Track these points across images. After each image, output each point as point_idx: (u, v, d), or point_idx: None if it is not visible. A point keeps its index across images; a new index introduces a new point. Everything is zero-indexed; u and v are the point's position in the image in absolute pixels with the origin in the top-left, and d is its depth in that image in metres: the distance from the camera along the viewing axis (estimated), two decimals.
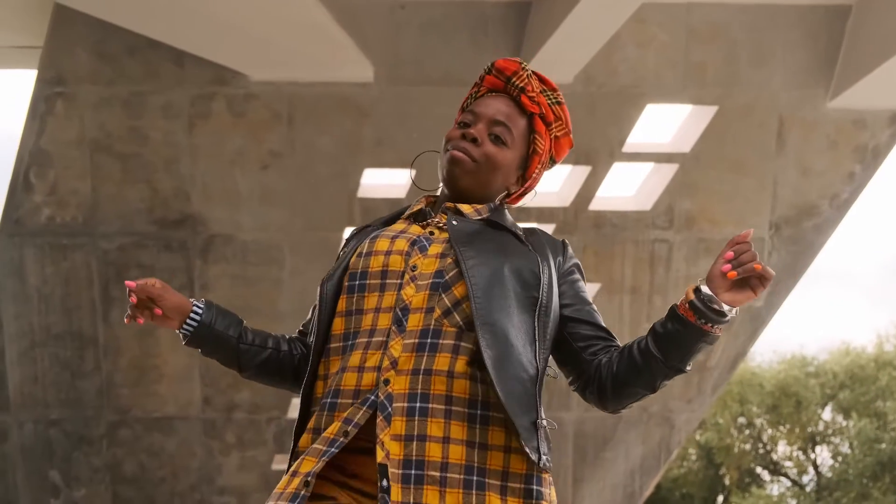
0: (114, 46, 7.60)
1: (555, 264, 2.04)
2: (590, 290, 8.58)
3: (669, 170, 8.15)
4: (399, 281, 1.97)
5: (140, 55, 7.62)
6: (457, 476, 1.85)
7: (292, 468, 1.93)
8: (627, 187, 8.53)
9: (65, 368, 8.53)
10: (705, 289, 1.93)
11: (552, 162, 2.17)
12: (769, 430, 28.10)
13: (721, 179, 8.14)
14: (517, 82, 2.10)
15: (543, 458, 1.90)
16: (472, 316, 1.89)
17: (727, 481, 28.90)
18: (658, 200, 8.20)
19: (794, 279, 8.44)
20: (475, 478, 1.86)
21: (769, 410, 26.84)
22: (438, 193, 2.16)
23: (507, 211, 2.13)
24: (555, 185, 8.50)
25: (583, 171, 8.12)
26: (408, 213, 2.13)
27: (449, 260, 1.97)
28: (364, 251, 2.04)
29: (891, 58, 7.37)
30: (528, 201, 2.22)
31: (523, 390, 1.90)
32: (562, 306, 2.04)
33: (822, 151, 8.08)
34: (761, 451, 28.51)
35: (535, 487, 1.89)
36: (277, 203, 8.13)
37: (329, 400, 1.95)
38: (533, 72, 2.12)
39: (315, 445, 1.92)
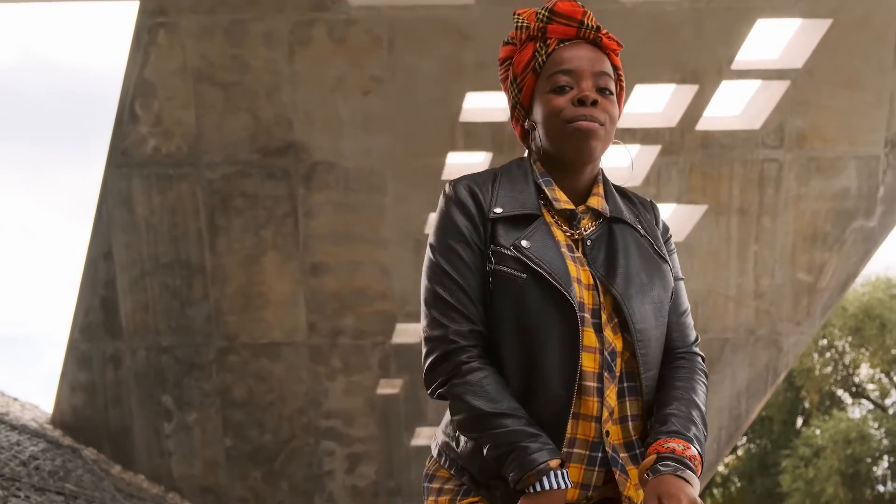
0: None
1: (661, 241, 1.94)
2: (696, 211, 8.30)
3: (780, 87, 7.73)
4: (597, 321, 1.80)
5: None
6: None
7: None
8: (736, 106, 8.15)
9: (174, 297, 8.52)
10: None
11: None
12: (851, 353, 27.51)
13: (834, 95, 7.71)
14: (589, 23, 1.87)
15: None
16: (636, 367, 1.80)
17: (807, 404, 28.48)
18: (768, 119, 7.81)
19: None
20: None
21: (852, 333, 26.23)
22: (546, 158, 1.91)
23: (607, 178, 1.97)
24: (659, 104, 8.15)
25: (689, 90, 7.74)
26: (559, 207, 1.87)
27: (613, 297, 1.82)
28: (569, 277, 1.79)
29: None
30: None
31: None
32: None
33: None
34: (843, 373, 27.97)
35: None
36: (379, 129, 7.93)
37: (565, 449, 1.79)
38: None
39: None
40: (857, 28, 7.49)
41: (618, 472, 1.76)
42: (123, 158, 8.01)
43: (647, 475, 1.72)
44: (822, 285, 8.27)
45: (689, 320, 1.94)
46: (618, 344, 1.79)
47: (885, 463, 26.25)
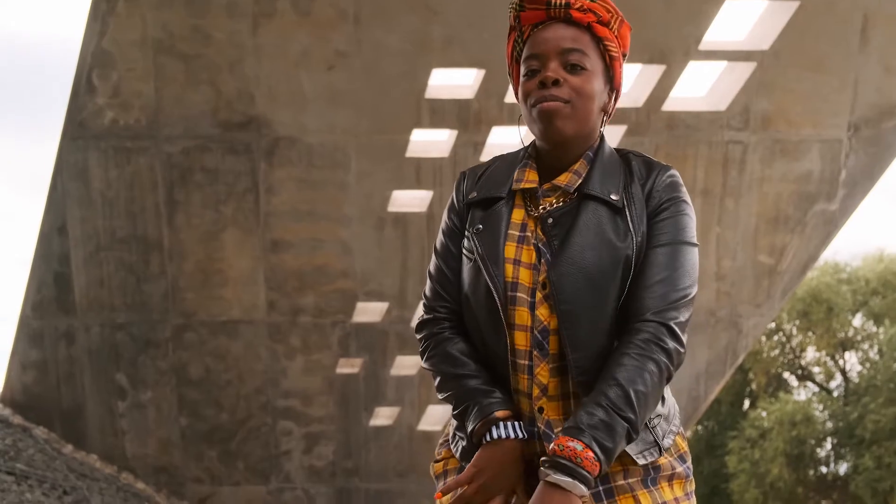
0: None
1: (647, 214, 1.88)
2: None
3: (746, 68, 7.72)
4: (531, 299, 1.85)
5: None
6: (637, 479, 1.86)
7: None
8: (701, 87, 8.13)
9: (130, 272, 8.32)
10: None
11: (624, 56, 1.95)
12: (798, 337, 27.90)
13: (800, 78, 7.72)
14: (557, 2, 1.86)
15: (663, 448, 1.93)
16: (565, 348, 1.82)
17: (755, 386, 28.86)
18: (734, 100, 7.79)
19: (870, 181, 8.06)
20: (651, 475, 1.87)
21: (799, 316, 26.59)
22: (537, 145, 1.95)
23: (606, 148, 1.94)
24: (625, 84, 8.09)
25: (656, 70, 7.70)
26: (517, 188, 1.92)
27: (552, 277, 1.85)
28: (500, 258, 1.87)
29: None
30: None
31: None
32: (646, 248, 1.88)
33: None
34: (790, 356, 28.37)
35: (673, 471, 1.93)
36: (343, 104, 7.78)
37: None
38: None
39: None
40: (823, 11, 7.49)
41: (547, 445, 1.82)
42: (80, 130, 7.78)
43: (543, 465, 1.75)
44: (782, 268, 8.31)
45: (672, 284, 1.83)
46: (553, 322, 1.82)
47: (828, 445, 26.71)
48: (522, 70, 1.89)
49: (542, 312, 1.84)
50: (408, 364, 9.02)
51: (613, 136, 7.95)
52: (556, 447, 1.72)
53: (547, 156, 1.92)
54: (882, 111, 7.83)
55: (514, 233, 1.88)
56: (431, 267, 1.98)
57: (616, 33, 1.89)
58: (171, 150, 7.89)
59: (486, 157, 8.08)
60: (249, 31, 7.44)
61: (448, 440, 1.98)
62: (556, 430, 1.83)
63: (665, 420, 1.89)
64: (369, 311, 8.72)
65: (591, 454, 1.71)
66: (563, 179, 1.89)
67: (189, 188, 8.02)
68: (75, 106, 7.67)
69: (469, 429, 1.85)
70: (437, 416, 9.36)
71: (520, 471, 1.82)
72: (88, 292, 8.39)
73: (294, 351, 8.70)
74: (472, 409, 1.84)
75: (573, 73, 1.84)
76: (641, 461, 1.83)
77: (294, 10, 7.43)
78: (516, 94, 1.95)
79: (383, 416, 9.24)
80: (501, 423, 1.82)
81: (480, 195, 1.93)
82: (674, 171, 1.92)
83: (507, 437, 1.81)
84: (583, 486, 1.71)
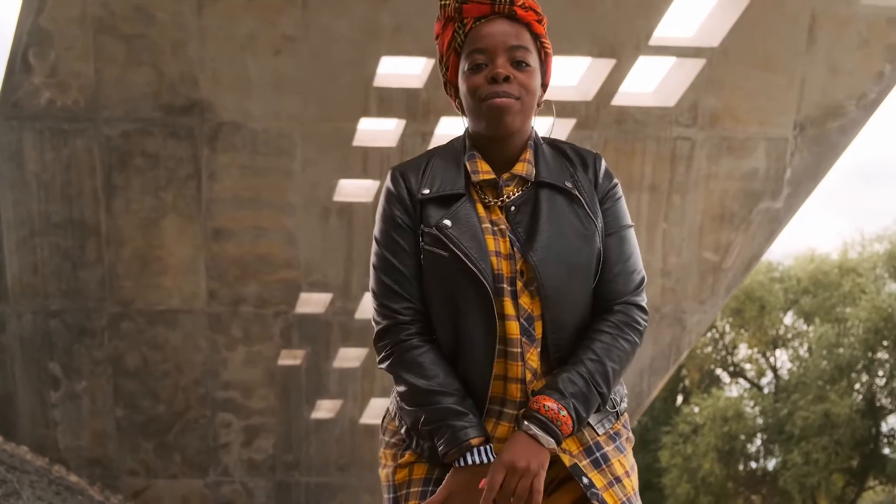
0: None
1: (598, 200, 1.98)
2: None
3: (695, 65, 7.69)
4: (512, 288, 1.91)
5: None
6: (615, 444, 1.97)
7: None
8: (650, 83, 8.09)
9: (65, 258, 8.02)
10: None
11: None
12: (731, 334, 28.25)
13: (748, 76, 7.70)
14: None
15: (621, 412, 2.07)
16: (545, 331, 1.91)
17: (687, 382, 29.17)
18: (683, 97, 7.76)
19: (814, 181, 8.09)
20: (618, 441, 1.99)
21: (732, 314, 26.92)
22: (475, 137, 1.99)
23: (540, 138, 2.02)
24: (574, 78, 8.02)
25: (606, 64, 7.63)
26: (477, 179, 1.95)
27: (529, 264, 1.91)
28: (485, 252, 1.91)
29: None
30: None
31: None
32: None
33: (853, 50, 7.65)
34: (722, 353, 28.71)
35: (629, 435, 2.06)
36: (290, 90, 7.58)
37: (496, 407, 1.95)
38: None
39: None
40: (772, 10, 7.49)
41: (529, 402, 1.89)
42: (14, 110, 7.47)
43: (515, 427, 1.89)
44: (726, 265, 8.31)
45: (631, 267, 1.98)
46: (535, 308, 1.90)
47: (758, 440, 27.09)
48: (465, 64, 1.92)
49: (525, 301, 1.90)
50: (351, 356, 8.86)
51: (562, 129, 7.87)
52: (539, 405, 1.85)
53: (490, 148, 1.96)
54: (827, 111, 7.86)
55: (487, 226, 1.92)
56: (379, 265, 1.94)
57: (546, 32, 1.98)
58: (110, 133, 7.62)
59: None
60: (194, 12, 7.21)
61: (403, 439, 1.98)
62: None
63: (622, 385, 2.05)
64: (313, 302, 8.54)
65: (568, 419, 1.85)
66: (520, 169, 1.94)
67: (128, 173, 7.75)
68: (10, 85, 7.36)
69: (441, 450, 1.88)
70: (379, 409, 9.21)
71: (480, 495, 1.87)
72: (21, 278, 8.08)
73: (235, 342, 8.48)
74: (445, 432, 1.87)
75: (519, 70, 1.91)
76: (601, 430, 1.96)
77: None
78: (449, 83, 1.99)
79: (325, 409, 9.07)
80: (475, 449, 1.86)
81: (436, 192, 1.93)
82: (601, 156, 2.05)
83: (481, 462, 1.85)
84: (553, 441, 1.84)
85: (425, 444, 1.92)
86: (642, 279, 2.00)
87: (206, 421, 8.80)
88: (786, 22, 7.54)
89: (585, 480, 1.90)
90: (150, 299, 8.29)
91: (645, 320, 1.99)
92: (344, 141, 7.79)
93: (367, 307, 8.60)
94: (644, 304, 2.00)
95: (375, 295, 1.96)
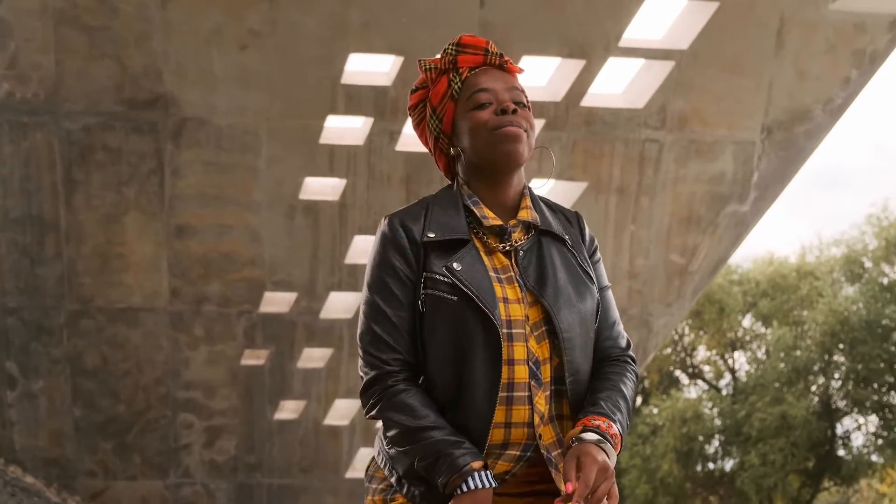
0: None
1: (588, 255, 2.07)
2: (576, 188, 8.13)
3: (664, 67, 7.63)
4: (523, 331, 1.92)
5: None
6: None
7: None
8: (620, 85, 8.01)
9: (23, 255, 7.80)
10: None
11: None
12: (690, 336, 28.39)
13: (716, 79, 7.66)
14: (493, 51, 2.05)
15: None
16: (562, 371, 1.93)
17: (647, 384, 29.28)
18: (651, 99, 7.70)
19: (781, 185, 8.07)
20: None
21: (692, 316, 27.04)
22: (471, 177, 2.03)
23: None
24: (543, 78, 7.94)
25: (576, 64, 7.54)
26: (488, 224, 1.98)
27: (542, 307, 1.94)
28: (494, 297, 1.92)
29: None
30: None
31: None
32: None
33: (820, 54, 7.63)
34: (681, 355, 28.84)
35: None
36: (256, 86, 7.42)
37: (497, 451, 1.94)
38: None
39: None
40: (742, 13, 7.45)
41: (553, 471, 1.89)
42: None
43: (573, 442, 1.88)
44: (693, 268, 8.26)
45: (620, 328, 2.08)
46: (542, 352, 1.92)
47: (716, 442, 27.24)
48: (469, 105, 1.98)
49: (532, 344, 1.92)
50: (315, 356, 8.71)
51: None
52: (593, 424, 1.89)
53: (491, 192, 2.00)
54: (794, 115, 7.84)
55: (493, 274, 1.94)
56: (370, 314, 1.94)
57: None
58: (71, 127, 7.42)
59: (401, 147, 7.82)
60: (159, 4, 7.03)
61: (391, 485, 1.96)
62: (553, 454, 1.91)
63: None
64: (277, 302, 8.38)
65: (618, 437, 1.90)
66: (525, 215, 1.99)
67: (89, 168, 7.55)
68: None
69: (442, 481, 1.85)
70: (343, 411, 9.07)
71: None
72: None
73: (197, 341, 8.29)
74: (443, 462, 1.85)
75: (521, 108, 1.99)
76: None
77: None
78: (445, 132, 2.03)
79: (288, 410, 8.91)
80: (476, 474, 1.85)
81: (439, 236, 1.94)
82: (581, 214, 2.14)
83: (483, 486, 1.85)
84: (612, 448, 1.87)
85: (417, 490, 1.91)
86: (629, 341, 2.10)
87: (166, 421, 8.61)
88: (755, 26, 7.51)
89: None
90: (110, 297, 8.09)
91: (636, 372, 2.08)
92: (310, 138, 7.65)
93: (332, 307, 8.45)
94: (635, 358, 2.10)
95: (364, 344, 1.95)
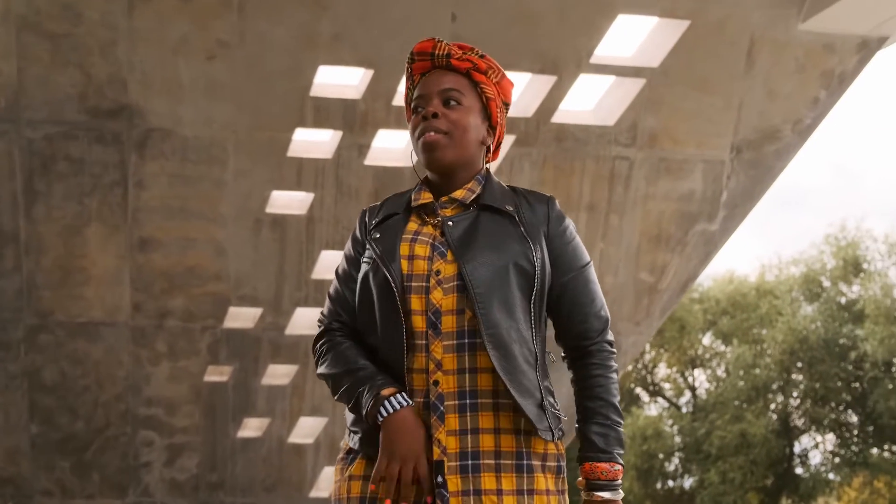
0: None
1: (545, 237, 2.11)
2: None
3: (635, 85, 7.55)
4: (425, 284, 2.04)
5: None
6: (510, 462, 2.00)
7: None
8: (589, 101, 7.93)
9: None
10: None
11: (506, 105, 2.21)
12: (651, 353, 28.41)
13: (687, 97, 7.59)
14: (439, 53, 2.16)
15: (555, 434, 2.06)
16: (477, 324, 1.98)
17: None
18: (622, 116, 7.61)
19: (751, 203, 8.01)
20: (524, 462, 2.02)
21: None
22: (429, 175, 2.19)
23: (493, 178, 2.18)
24: (514, 94, 7.82)
25: (547, 80, 7.44)
26: (416, 204, 2.15)
27: (456, 264, 2.05)
28: (396, 255, 2.09)
29: None
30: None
31: (528, 381, 2.01)
32: (556, 279, 2.11)
33: (790, 74, 7.60)
34: (642, 372, 28.84)
35: (558, 464, 2.09)
36: (223, 97, 7.24)
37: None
38: (447, 42, 2.20)
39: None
40: (712, 32, 7.40)
41: (433, 417, 1.98)
42: None
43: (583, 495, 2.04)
44: (662, 286, 8.17)
45: (598, 307, 2.12)
46: (445, 303, 2.01)
47: (676, 459, 27.24)
48: (411, 112, 2.16)
49: (436, 296, 2.02)
50: (280, 373, 8.50)
51: (502, 146, 7.65)
52: (596, 474, 2.05)
53: (437, 183, 2.15)
54: (764, 134, 7.79)
55: (408, 236, 2.11)
56: (331, 290, 2.17)
57: (495, 82, 2.16)
58: (32, 136, 7.18)
59: (370, 160, 7.67)
60: (124, 12, 6.83)
61: (351, 449, 2.09)
62: (446, 403, 1.99)
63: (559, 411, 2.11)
64: (242, 317, 8.16)
65: (619, 469, 2.07)
66: (458, 194, 2.12)
67: (51, 178, 7.31)
68: None
69: (365, 414, 1.99)
70: (308, 429, 8.86)
71: (423, 432, 1.97)
72: None
73: (159, 356, 8.06)
74: (364, 395, 2.00)
75: (449, 108, 2.11)
76: (547, 436, 2.02)
77: None
78: (412, 135, 2.18)
79: (252, 428, 8.68)
80: (388, 400, 1.97)
81: (381, 216, 2.15)
82: (555, 199, 2.19)
83: (400, 406, 1.97)
84: (620, 494, 2.06)
85: (356, 436, 2.06)
86: (607, 318, 2.15)
87: (126, 439, 8.35)
88: (725, 45, 7.46)
89: (439, 479, 1.99)
90: (70, 311, 7.84)
91: (615, 354, 2.15)
92: (278, 151, 7.47)
93: (298, 323, 8.26)
94: (612, 339, 2.15)
95: (321, 316, 2.19)
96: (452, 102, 2.11)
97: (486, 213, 2.09)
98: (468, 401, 1.99)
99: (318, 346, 2.15)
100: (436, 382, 1.99)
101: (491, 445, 1.99)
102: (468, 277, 1.99)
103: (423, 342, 2.00)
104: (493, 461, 1.98)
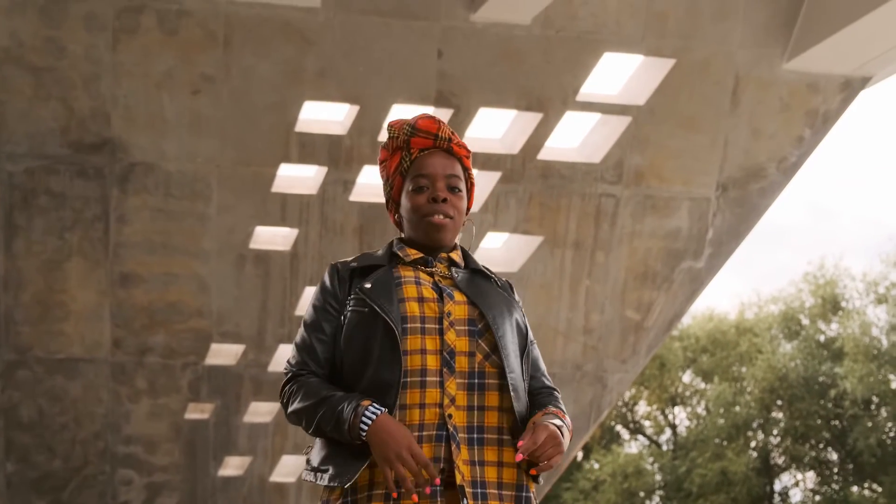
0: None
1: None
2: (532, 242, 7.89)
3: (621, 122, 7.47)
4: (439, 326, 2.17)
5: None
6: (510, 493, 2.14)
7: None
8: (575, 138, 7.84)
9: None
10: None
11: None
12: (631, 391, 28.23)
13: (673, 135, 7.52)
14: (442, 136, 2.30)
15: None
16: (502, 364, 2.16)
17: (588, 439, 29.00)
18: (608, 153, 7.52)
19: (736, 241, 7.91)
20: (524, 494, 2.16)
21: None
22: (404, 237, 2.35)
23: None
24: (500, 131, 7.73)
25: (533, 118, 7.36)
26: (409, 260, 2.27)
27: (476, 311, 2.20)
28: (394, 301, 2.18)
29: (849, 24, 6.87)
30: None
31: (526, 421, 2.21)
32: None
33: (775, 113, 7.54)
34: (623, 410, 28.64)
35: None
36: (207, 132, 7.10)
37: (415, 433, 2.14)
38: (446, 123, 2.34)
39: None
40: (698, 71, 7.34)
41: (453, 445, 2.10)
42: None
43: (534, 423, 2.14)
44: (648, 324, 8.04)
45: (544, 369, 2.36)
46: (459, 345, 2.15)
47: (657, 497, 26.97)
48: (410, 185, 2.28)
49: (450, 337, 2.16)
50: (262, 411, 8.29)
51: (487, 182, 7.55)
52: (547, 410, 2.21)
53: (424, 245, 2.30)
54: (749, 173, 7.72)
55: (409, 281, 2.22)
56: (299, 339, 2.26)
57: (471, 166, 2.36)
58: (12, 170, 7.02)
59: (355, 196, 7.54)
60: (108, 46, 6.71)
61: (325, 486, 2.17)
62: (459, 436, 2.11)
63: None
64: (224, 354, 7.97)
65: (570, 430, 2.23)
66: (455, 256, 2.32)
67: (31, 212, 7.14)
68: None
69: (347, 432, 2.08)
70: (290, 467, 8.63)
71: (406, 430, 2.06)
72: None
73: (139, 393, 7.84)
74: (345, 410, 2.08)
75: (453, 194, 2.28)
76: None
77: (159, 27, 6.75)
78: (394, 198, 2.35)
79: (233, 466, 8.45)
80: (367, 410, 2.07)
81: (360, 265, 2.26)
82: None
83: (379, 412, 2.07)
84: (566, 432, 2.18)
85: (326, 474, 2.13)
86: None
87: (105, 477, 8.10)
88: (710, 83, 7.40)
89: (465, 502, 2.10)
90: (49, 347, 7.62)
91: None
92: (262, 186, 7.33)
93: (280, 360, 8.07)
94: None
95: (288, 366, 2.27)
96: (457, 190, 2.29)
97: (477, 276, 2.30)
98: (475, 435, 2.14)
99: (286, 388, 2.23)
100: (450, 416, 2.13)
101: (494, 477, 2.13)
102: (493, 324, 2.17)
103: (438, 379, 2.13)
104: (496, 491, 2.12)
